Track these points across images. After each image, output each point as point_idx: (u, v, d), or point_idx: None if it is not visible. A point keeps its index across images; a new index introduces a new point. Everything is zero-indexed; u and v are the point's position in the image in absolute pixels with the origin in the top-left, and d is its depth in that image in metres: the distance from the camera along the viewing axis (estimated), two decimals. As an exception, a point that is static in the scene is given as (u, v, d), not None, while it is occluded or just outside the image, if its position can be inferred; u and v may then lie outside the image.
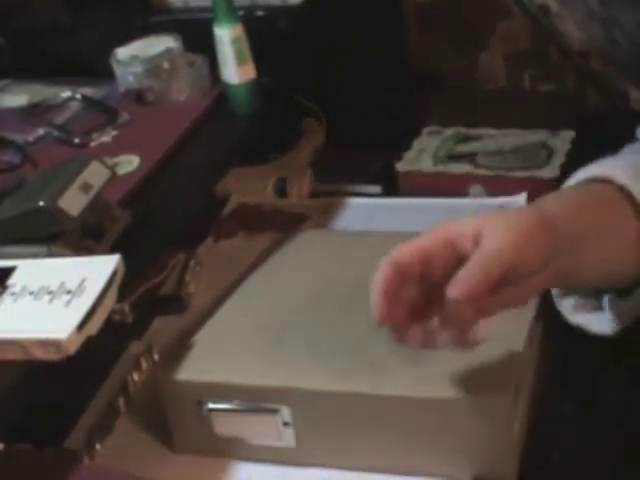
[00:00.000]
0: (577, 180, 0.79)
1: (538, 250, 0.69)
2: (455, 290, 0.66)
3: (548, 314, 0.84)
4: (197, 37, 1.33)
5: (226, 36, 1.25)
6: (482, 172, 1.24)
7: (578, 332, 0.80)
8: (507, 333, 0.78)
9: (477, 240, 0.68)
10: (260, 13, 1.37)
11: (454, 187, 1.23)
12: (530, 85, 1.52)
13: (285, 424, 0.83)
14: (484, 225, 0.69)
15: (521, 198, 1.18)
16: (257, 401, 0.83)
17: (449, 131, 1.34)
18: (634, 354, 0.82)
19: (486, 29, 1.50)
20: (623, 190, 0.75)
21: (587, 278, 0.75)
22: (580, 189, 0.78)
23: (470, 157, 1.27)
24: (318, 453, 0.84)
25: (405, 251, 0.70)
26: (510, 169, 1.23)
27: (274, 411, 0.82)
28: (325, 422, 0.82)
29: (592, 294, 0.79)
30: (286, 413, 0.82)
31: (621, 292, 0.77)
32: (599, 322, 0.79)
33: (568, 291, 0.80)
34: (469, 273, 0.67)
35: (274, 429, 0.83)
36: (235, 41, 1.25)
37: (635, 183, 0.75)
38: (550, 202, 0.74)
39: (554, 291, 0.81)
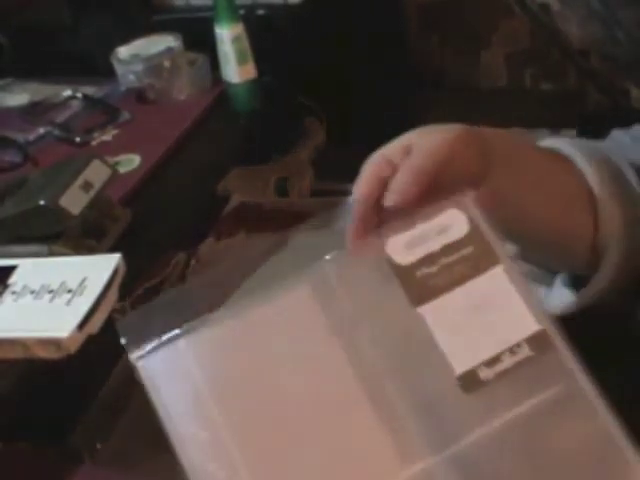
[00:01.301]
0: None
1: (469, 150, 0.65)
2: (392, 197, 0.61)
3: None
4: (198, 36, 1.33)
5: (227, 35, 1.25)
6: (483, 171, 1.24)
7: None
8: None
9: (407, 152, 0.65)
10: (261, 12, 1.37)
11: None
12: (531, 84, 1.52)
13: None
14: (412, 138, 0.66)
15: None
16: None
17: (450, 130, 1.34)
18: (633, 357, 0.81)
19: (487, 28, 1.50)
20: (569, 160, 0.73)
21: (531, 223, 0.71)
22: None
23: (471, 156, 1.27)
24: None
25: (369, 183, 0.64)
26: (511, 168, 1.23)
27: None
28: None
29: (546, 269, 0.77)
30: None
31: (577, 279, 0.75)
32: (547, 298, 0.76)
33: (526, 258, 0.77)
34: (403, 178, 0.62)
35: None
36: (236, 40, 1.25)
37: (582, 155, 0.73)
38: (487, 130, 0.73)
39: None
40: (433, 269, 0.58)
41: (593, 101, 1.40)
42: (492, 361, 0.55)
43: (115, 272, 0.85)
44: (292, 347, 0.57)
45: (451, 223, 0.59)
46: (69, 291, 0.83)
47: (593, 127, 1.32)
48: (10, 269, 0.89)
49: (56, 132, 1.28)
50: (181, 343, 0.55)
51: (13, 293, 0.86)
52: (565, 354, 0.56)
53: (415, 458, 0.53)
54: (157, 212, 1.08)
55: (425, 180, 0.61)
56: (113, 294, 0.84)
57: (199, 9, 1.40)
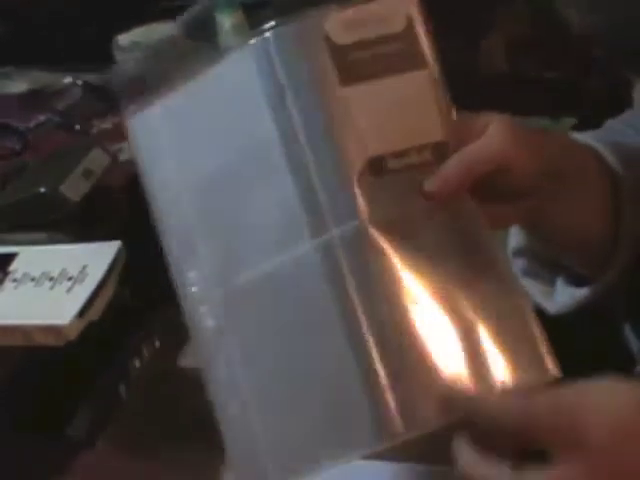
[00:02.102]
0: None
1: (535, 157, 0.62)
2: (429, 184, 0.59)
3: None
4: (200, 23, 1.32)
5: (227, 23, 1.25)
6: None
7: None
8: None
9: (484, 127, 0.63)
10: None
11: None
12: (531, 71, 1.52)
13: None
14: (496, 119, 0.64)
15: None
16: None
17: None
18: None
19: (487, 14, 1.50)
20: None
21: (558, 230, 0.68)
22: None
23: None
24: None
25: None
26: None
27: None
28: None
29: (544, 263, 0.76)
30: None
31: (577, 279, 0.74)
32: (544, 295, 0.75)
33: (520, 251, 0.76)
34: (448, 166, 0.60)
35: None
36: (236, 28, 1.25)
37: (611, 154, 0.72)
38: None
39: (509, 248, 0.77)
40: (366, 55, 0.60)
41: (593, 89, 1.40)
42: (400, 154, 0.58)
43: (115, 260, 0.86)
44: (231, 115, 0.63)
45: (390, 16, 0.63)
46: (69, 278, 0.84)
47: (593, 115, 1.31)
48: (11, 256, 0.90)
49: (56, 119, 1.27)
50: (155, 107, 0.68)
51: (14, 280, 0.86)
52: None
53: (325, 228, 0.58)
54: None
55: (471, 178, 0.60)
56: (113, 281, 0.85)
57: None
